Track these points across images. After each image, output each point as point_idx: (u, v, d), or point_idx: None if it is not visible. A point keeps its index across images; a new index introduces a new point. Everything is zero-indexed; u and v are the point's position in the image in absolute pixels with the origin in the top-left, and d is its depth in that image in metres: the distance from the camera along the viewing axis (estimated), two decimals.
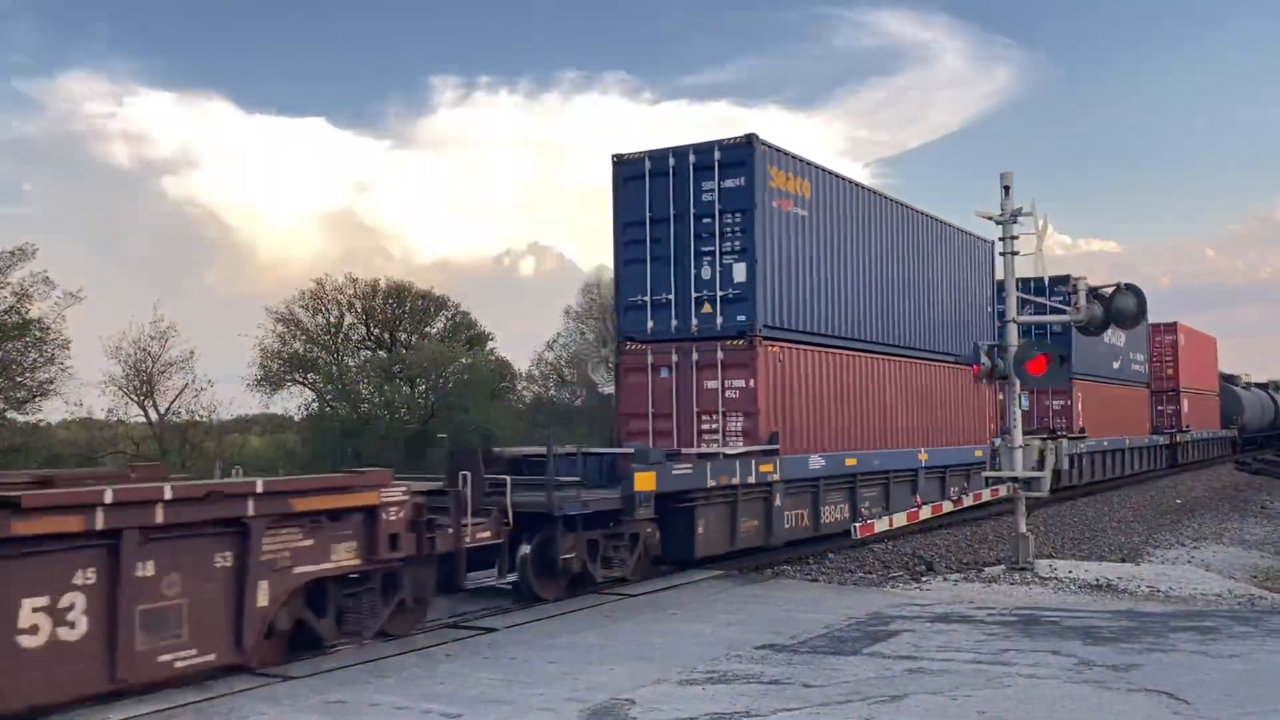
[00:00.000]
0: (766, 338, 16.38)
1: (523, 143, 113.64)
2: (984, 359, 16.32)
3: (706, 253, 16.63)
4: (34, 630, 7.65)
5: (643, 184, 17.17)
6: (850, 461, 18.35)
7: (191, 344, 40.61)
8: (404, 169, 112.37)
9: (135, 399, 38.00)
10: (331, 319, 43.63)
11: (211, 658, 8.79)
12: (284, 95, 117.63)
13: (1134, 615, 11.88)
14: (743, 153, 16.41)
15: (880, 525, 15.94)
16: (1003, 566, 15.75)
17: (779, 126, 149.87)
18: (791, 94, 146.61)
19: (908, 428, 20.57)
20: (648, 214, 17.10)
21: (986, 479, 16.66)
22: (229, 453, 36.72)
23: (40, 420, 35.17)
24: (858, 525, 15.69)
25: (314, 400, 43.42)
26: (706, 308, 16.68)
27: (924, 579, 15.12)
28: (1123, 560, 18.14)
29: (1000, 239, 16.47)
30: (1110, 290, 16.36)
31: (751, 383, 16.21)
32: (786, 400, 16.81)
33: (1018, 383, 16.14)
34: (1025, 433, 16.43)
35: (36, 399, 34.22)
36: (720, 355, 16.36)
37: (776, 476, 16.18)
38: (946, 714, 7.69)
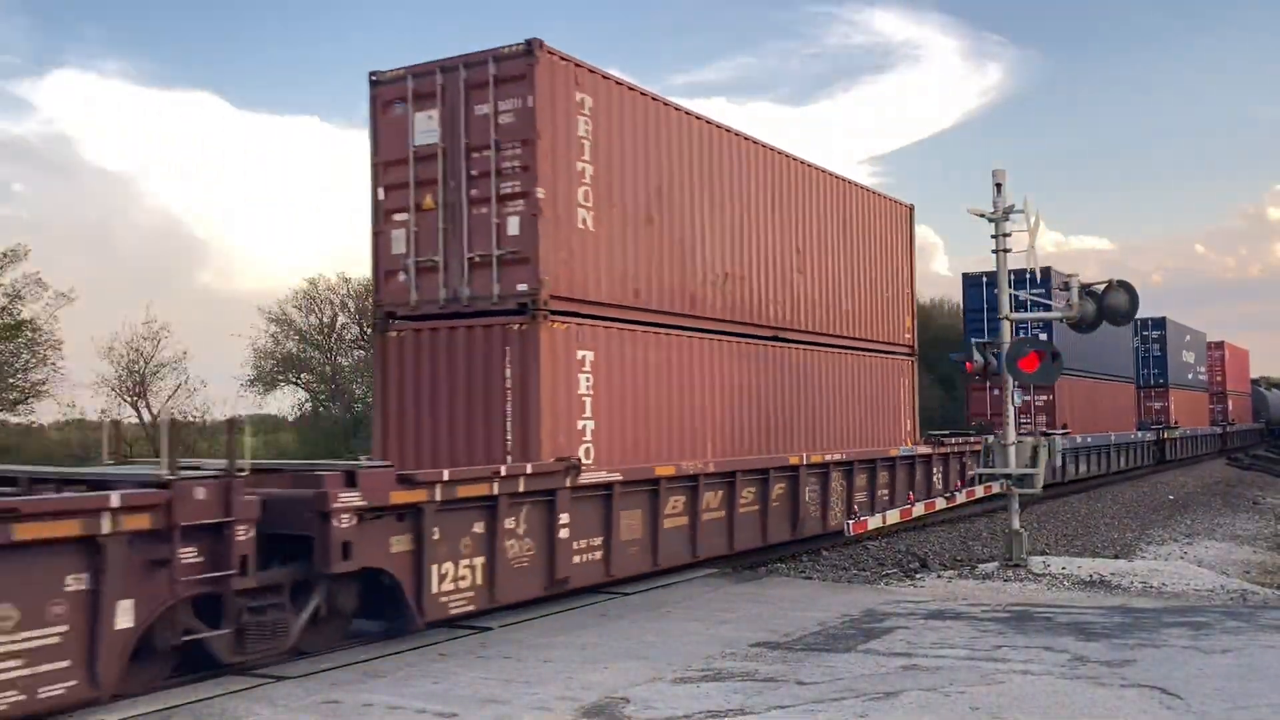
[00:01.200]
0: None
1: None
2: (977, 356, 16.33)
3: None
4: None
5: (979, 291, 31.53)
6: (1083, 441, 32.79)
7: (184, 344, 40.66)
8: None
9: (128, 399, 37.95)
10: (324, 319, 43.45)
11: (835, 524, 17.50)
12: (275, 93, 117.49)
13: (1127, 611, 11.92)
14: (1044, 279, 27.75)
15: (874, 522, 15.98)
16: (996, 563, 15.77)
17: (774, 124, 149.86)
18: (784, 92, 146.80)
19: (1111, 412, 36.61)
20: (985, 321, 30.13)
21: (979, 476, 16.72)
22: (221, 454, 36.54)
23: (33, 421, 35.15)
24: (851, 522, 15.73)
25: (307, 400, 43.33)
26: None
27: (918, 576, 15.15)
28: (1116, 556, 18.18)
29: (993, 236, 16.51)
30: (1103, 287, 16.39)
31: (1051, 397, 30.44)
32: (1065, 403, 31.02)
33: (1011, 380, 16.16)
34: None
35: (29, 400, 34.22)
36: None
37: (1066, 446, 29.19)
38: (940, 710, 7.72)
